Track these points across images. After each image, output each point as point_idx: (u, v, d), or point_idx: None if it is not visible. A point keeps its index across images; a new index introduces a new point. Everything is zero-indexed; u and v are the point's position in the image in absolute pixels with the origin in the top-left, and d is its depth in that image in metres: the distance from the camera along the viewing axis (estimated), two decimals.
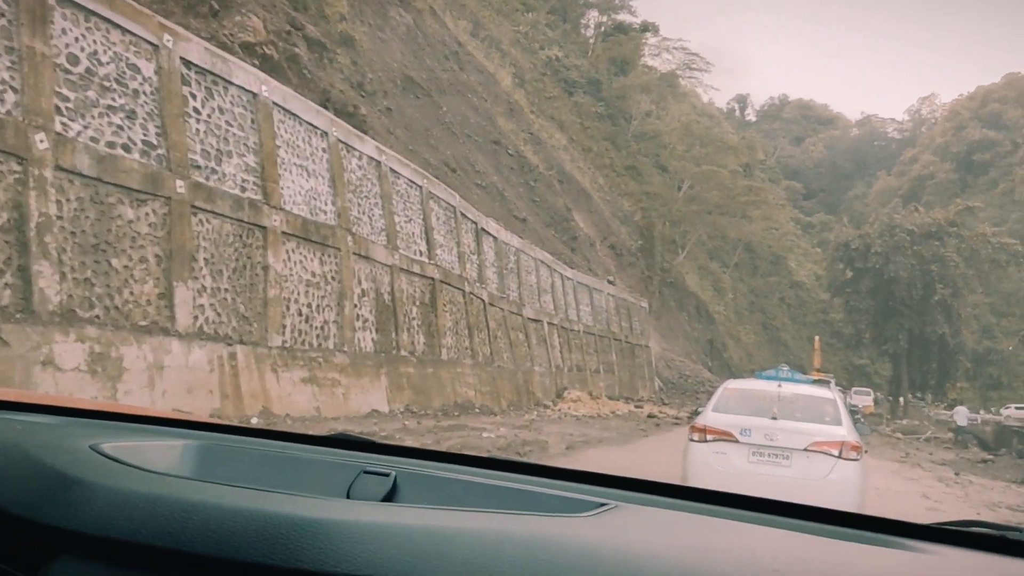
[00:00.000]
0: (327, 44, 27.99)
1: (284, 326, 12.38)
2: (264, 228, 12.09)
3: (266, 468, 1.48)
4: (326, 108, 18.62)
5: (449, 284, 18.70)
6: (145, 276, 9.90)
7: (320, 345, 13.25)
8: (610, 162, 65.01)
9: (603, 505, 1.29)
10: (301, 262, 12.98)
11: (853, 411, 25.46)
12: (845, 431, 7.50)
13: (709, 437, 7.55)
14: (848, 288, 44.55)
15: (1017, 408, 60.78)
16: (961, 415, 37.02)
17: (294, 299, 12.73)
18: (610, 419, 21.30)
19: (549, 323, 27.36)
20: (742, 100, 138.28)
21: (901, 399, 45.74)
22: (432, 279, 17.65)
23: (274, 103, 12.79)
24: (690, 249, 66.20)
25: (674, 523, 1.30)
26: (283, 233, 12.51)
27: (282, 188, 12.72)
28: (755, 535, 1.27)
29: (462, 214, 20.32)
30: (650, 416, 23.79)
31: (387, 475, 1.39)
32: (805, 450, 7.24)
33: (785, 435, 7.31)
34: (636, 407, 27.29)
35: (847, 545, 1.26)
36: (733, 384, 9.13)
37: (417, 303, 16.92)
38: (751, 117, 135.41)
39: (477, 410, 18.06)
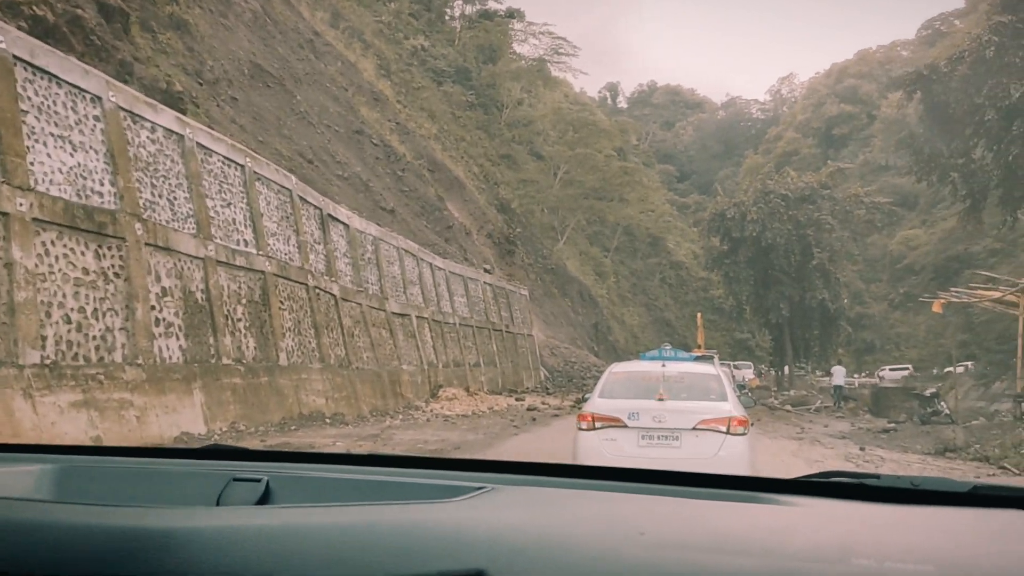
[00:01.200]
0: (155, 26, 25.38)
1: (44, 338, 9.69)
2: (5, 215, 9.38)
3: (129, 485, 1.42)
4: (126, 83, 15.85)
5: (287, 278, 16.21)
6: None
7: (102, 359, 10.60)
8: (484, 151, 63.77)
9: (480, 488, 1.31)
10: (66, 256, 10.28)
11: (740, 386, 24.57)
12: (731, 406, 7.49)
13: (597, 424, 7.47)
14: (727, 260, 43.37)
15: (891, 370, 63.16)
16: (839, 375, 36.80)
17: (58, 303, 10.05)
18: (484, 417, 19.33)
19: (419, 317, 25.16)
20: (613, 88, 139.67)
21: (786, 369, 45.59)
22: (263, 272, 15.12)
23: (16, 58, 10.05)
24: (570, 234, 65.46)
25: (546, 499, 1.32)
26: (35, 220, 9.81)
27: (32, 164, 10.00)
28: (625, 503, 1.31)
29: (301, 198, 17.82)
30: (530, 409, 21.98)
31: (258, 480, 1.34)
32: (693, 429, 7.23)
33: (673, 416, 7.30)
34: (517, 400, 25.47)
35: (713, 504, 1.30)
36: (618, 368, 8.96)
37: (244, 301, 14.39)
38: (622, 104, 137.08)
39: (328, 421, 15.69)
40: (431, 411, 20.72)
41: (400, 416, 18.62)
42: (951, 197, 30.39)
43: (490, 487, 1.30)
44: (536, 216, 62.78)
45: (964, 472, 10.00)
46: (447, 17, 77.03)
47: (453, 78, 65.56)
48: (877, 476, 1.45)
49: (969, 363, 57.68)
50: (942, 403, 17.44)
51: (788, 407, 26.87)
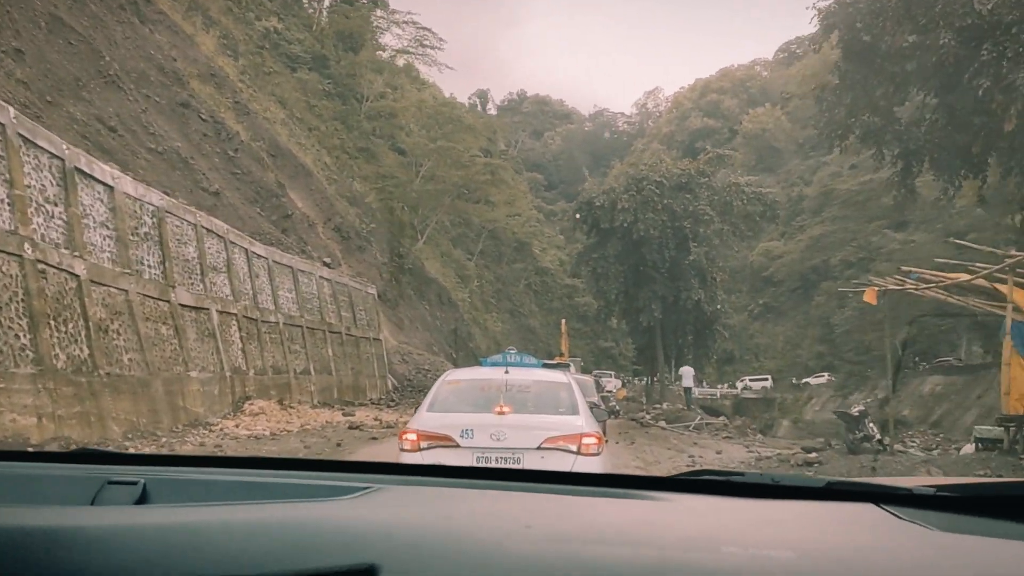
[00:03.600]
0: None
1: None
2: None
3: None
4: None
5: None
6: None
7: None
8: (341, 142, 59.25)
9: (366, 488, 1.31)
10: None
11: (606, 398, 21.16)
12: (583, 421, 6.57)
13: (424, 444, 6.34)
14: (594, 254, 38.74)
15: (751, 380, 62.91)
16: (687, 376, 33.46)
17: None
18: (281, 440, 14.89)
19: (222, 312, 20.31)
20: (483, 95, 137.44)
21: (656, 378, 42.49)
22: None
23: None
24: (431, 235, 61.56)
25: (433, 497, 1.33)
26: None
27: None
28: (509, 501, 1.35)
29: (24, 138, 12.81)
30: (352, 427, 17.68)
31: (135, 483, 1.31)
32: (539, 448, 6.21)
33: (514, 433, 6.27)
34: (345, 415, 21.05)
35: (593, 500, 1.36)
36: (454, 375, 8.05)
37: None
38: (492, 111, 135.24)
39: (32, 449, 10.88)
40: (222, 430, 16.07)
41: (163, 440, 13.90)
42: (876, 160, 25.59)
43: (376, 487, 1.30)
44: (396, 213, 58.55)
45: None
46: (304, 1, 71.85)
47: (309, 65, 60.88)
48: (742, 473, 1.54)
49: (826, 374, 57.98)
50: (872, 424, 14.00)
51: (663, 424, 23.40)
